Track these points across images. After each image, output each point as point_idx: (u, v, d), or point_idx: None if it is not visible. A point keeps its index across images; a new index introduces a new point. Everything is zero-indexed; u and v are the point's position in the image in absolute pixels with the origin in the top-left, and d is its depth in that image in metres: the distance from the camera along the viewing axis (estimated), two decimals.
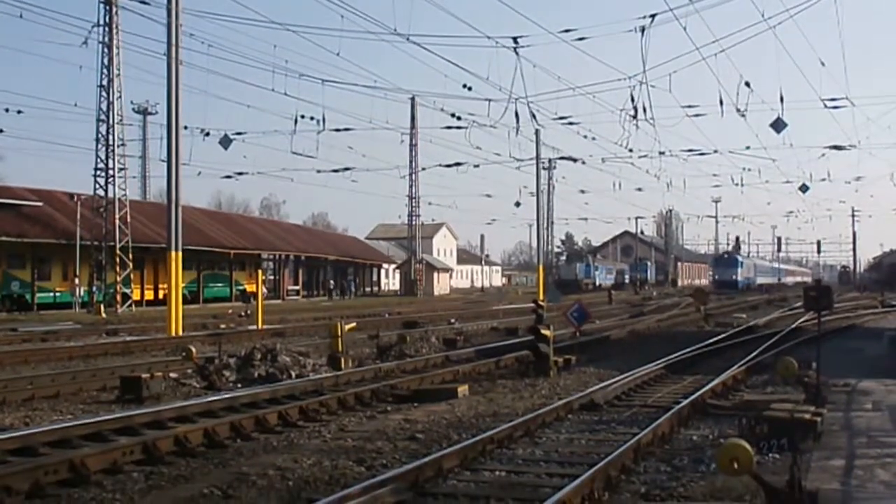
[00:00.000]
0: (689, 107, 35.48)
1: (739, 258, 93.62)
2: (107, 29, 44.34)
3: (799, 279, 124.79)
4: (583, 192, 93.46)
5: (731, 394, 14.34)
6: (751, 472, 6.20)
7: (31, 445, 9.48)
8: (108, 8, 44.05)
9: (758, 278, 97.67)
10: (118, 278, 45.69)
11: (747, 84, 28.23)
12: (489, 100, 33.02)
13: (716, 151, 50.49)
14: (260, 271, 40.13)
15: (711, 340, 22.44)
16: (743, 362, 17.17)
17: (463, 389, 14.51)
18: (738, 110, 28.82)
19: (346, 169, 56.02)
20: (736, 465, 5.99)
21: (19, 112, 40.55)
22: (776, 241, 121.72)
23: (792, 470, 6.66)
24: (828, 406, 11.54)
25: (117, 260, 45.69)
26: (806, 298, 12.65)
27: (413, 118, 70.57)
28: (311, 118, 38.31)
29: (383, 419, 12.28)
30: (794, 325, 27.20)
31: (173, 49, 27.04)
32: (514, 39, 26.64)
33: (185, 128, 32.39)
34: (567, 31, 27.55)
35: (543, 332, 17.18)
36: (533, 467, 9.14)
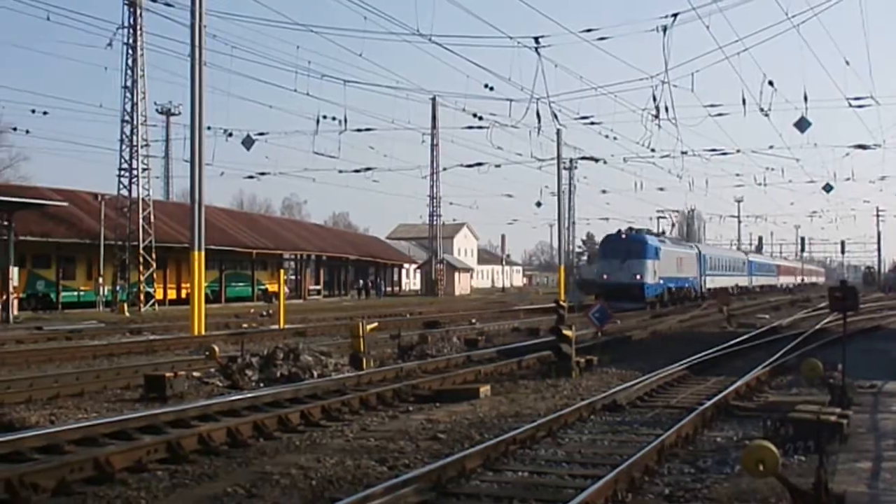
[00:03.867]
0: (712, 106, 34.90)
1: (652, 242, 48.80)
2: (131, 31, 44.68)
3: (801, 280, 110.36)
4: (604, 191, 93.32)
5: (756, 395, 14.25)
6: (776, 475, 6.16)
7: (57, 443, 9.55)
8: (132, 10, 44.36)
9: (719, 278, 62.39)
10: (141, 277, 45.98)
11: (771, 83, 28.02)
12: (510, 100, 33.01)
13: (738, 151, 49.74)
14: (282, 271, 40.22)
15: (734, 341, 22.30)
16: (767, 363, 17.06)
17: (485, 389, 14.49)
18: (761, 109, 28.65)
19: (368, 169, 56.18)
20: (761, 467, 5.95)
21: (45, 113, 41.10)
22: (799, 241, 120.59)
23: (818, 472, 6.62)
24: (854, 408, 11.45)
25: (141, 259, 45.97)
26: (831, 299, 12.55)
27: (434, 118, 70.67)
28: (333, 118, 38.48)
29: (405, 419, 12.29)
30: (818, 326, 27.01)
31: (197, 50, 27.16)
32: (536, 39, 26.59)
33: (209, 128, 32.61)
34: (589, 30, 27.68)
35: (565, 332, 17.15)
36: (556, 468, 9.11)
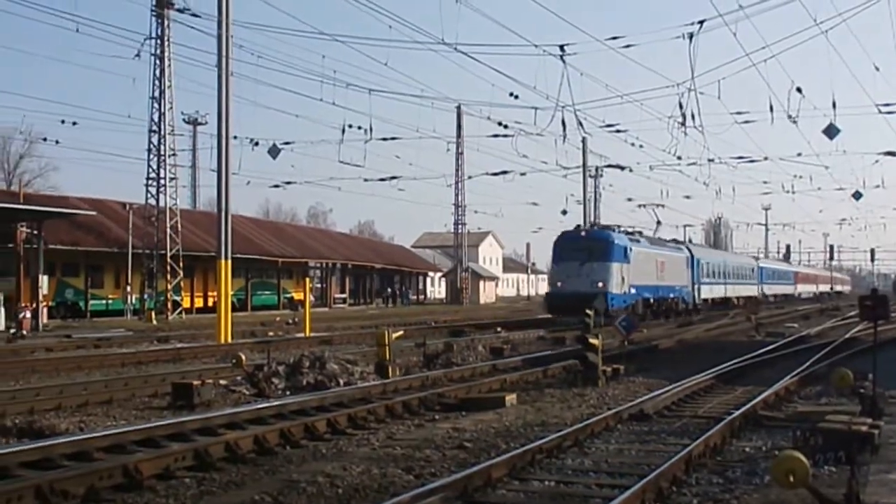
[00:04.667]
0: (739, 113, 34.73)
1: (620, 241, 39.37)
2: (159, 42, 45.06)
3: (826, 289, 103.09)
4: (630, 199, 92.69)
5: (785, 405, 14.12)
6: (807, 486, 6.10)
7: (87, 450, 9.62)
8: (159, 21, 44.74)
9: (719, 286, 54.69)
10: (169, 286, 46.28)
11: (798, 90, 27.85)
12: (536, 108, 32.95)
13: (766, 158, 49.43)
14: (307, 279, 40.36)
15: (762, 350, 22.14)
16: (795, 373, 16.91)
17: (511, 398, 14.46)
18: (789, 116, 28.48)
19: (393, 177, 56.34)
20: (791, 478, 5.90)
21: (74, 124, 41.45)
22: (828, 249, 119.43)
23: (849, 483, 6.55)
24: (885, 418, 11.31)
25: (168, 268, 46.28)
26: (861, 308, 12.42)
27: (459, 127, 70.70)
28: (359, 127, 38.63)
29: (431, 427, 12.28)
30: (847, 336, 26.76)
31: (223, 60, 27.36)
32: (561, 47, 26.55)
33: (235, 138, 32.89)
34: (615, 38, 27.40)
35: (591, 341, 17.09)
36: (582, 478, 9.07)
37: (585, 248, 37.62)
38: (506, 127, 42.01)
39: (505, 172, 57.97)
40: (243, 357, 17.17)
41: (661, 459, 9.40)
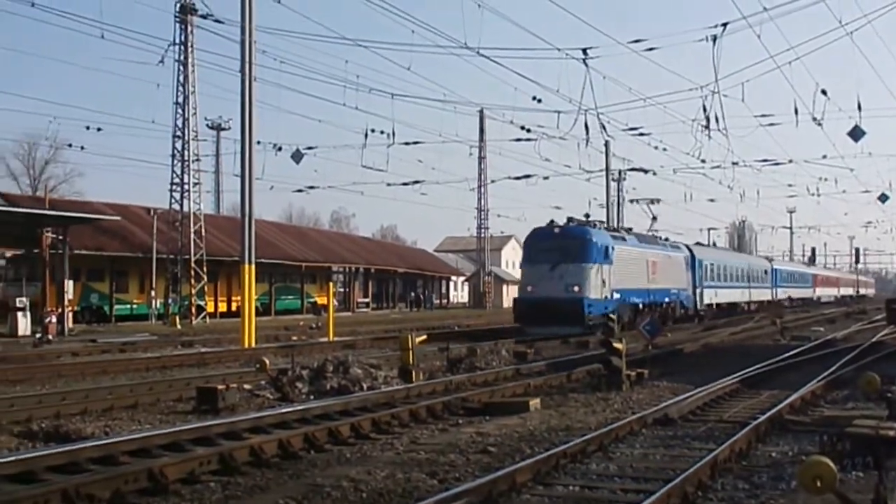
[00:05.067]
0: (763, 116, 34.42)
1: (599, 238, 34.30)
2: (182, 48, 45.42)
3: (848, 292, 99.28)
4: (653, 202, 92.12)
5: (811, 409, 13.99)
6: (835, 491, 6.03)
7: (112, 454, 9.68)
8: (183, 27, 45.10)
9: (725, 290, 50.50)
10: (193, 290, 46.55)
11: (823, 92, 27.65)
12: (558, 112, 32.84)
13: (791, 161, 49.07)
14: (331, 283, 40.49)
15: (788, 354, 21.97)
16: (822, 377, 16.76)
17: (535, 403, 14.42)
18: (813, 119, 28.28)
19: (416, 182, 56.30)
20: (818, 483, 5.83)
21: (99, 129, 42.11)
22: (854, 252, 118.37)
23: (877, 489, 6.49)
24: None
25: (192, 273, 46.57)
26: (888, 312, 12.33)
27: (482, 131, 70.77)
28: (382, 132, 38.69)
29: (455, 432, 12.27)
30: (874, 339, 26.52)
31: (247, 66, 27.49)
32: (584, 51, 26.47)
33: (258, 143, 33.02)
34: (637, 41, 27.30)
35: (615, 345, 17.02)
36: (607, 482, 9.03)
37: (558, 247, 32.98)
38: (528, 131, 41.97)
39: (528, 176, 57.91)
40: (267, 361, 17.21)
41: (687, 464, 9.34)
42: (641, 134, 39.76)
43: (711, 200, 71.68)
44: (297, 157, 40.48)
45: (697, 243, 48.04)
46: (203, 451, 10.03)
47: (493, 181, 73.70)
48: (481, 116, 69.37)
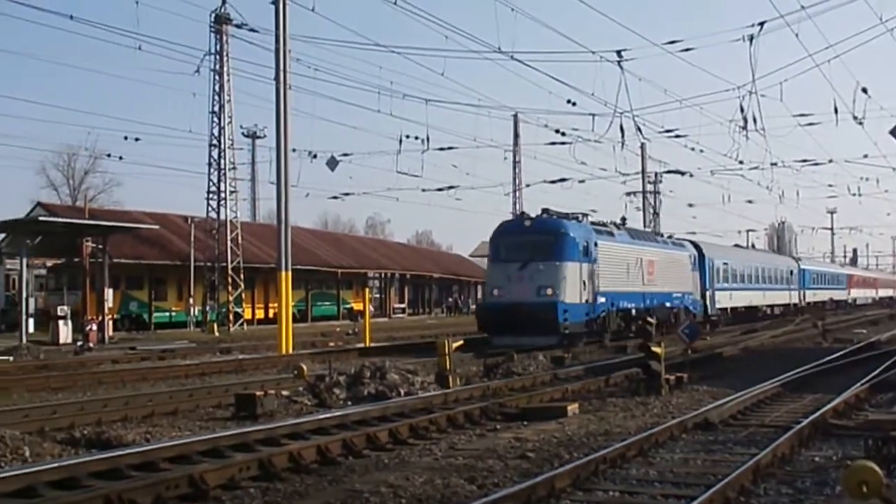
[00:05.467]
0: (802, 115, 34.09)
1: (578, 232, 29.77)
2: (218, 57, 45.82)
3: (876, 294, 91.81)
4: (691, 205, 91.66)
5: (855, 413, 13.78)
6: (881, 496, 5.92)
7: (153, 461, 9.75)
8: (218, 37, 45.50)
9: (741, 293, 46.29)
10: (230, 298, 46.89)
11: (864, 90, 27.24)
12: (593, 114, 32.66)
13: (831, 161, 48.46)
14: (367, 289, 40.59)
15: (830, 357, 21.69)
16: (866, 380, 16.50)
17: (573, 408, 14.34)
18: (854, 118, 27.85)
19: (451, 187, 56.24)
20: (864, 489, 5.73)
21: (137, 139, 42.10)
22: None
23: None
24: None
25: (229, 280, 46.91)
26: None
27: (516, 135, 70.50)
28: (416, 137, 38.67)
29: (493, 437, 12.22)
30: None
31: (281, 74, 27.67)
32: (619, 53, 26.30)
33: (294, 150, 33.11)
34: (672, 42, 27.08)
35: (654, 349, 16.89)
36: (647, 488, 8.94)
37: (529, 243, 28.76)
38: (563, 134, 41.74)
39: (563, 180, 57.48)
40: (304, 367, 17.30)
41: (728, 469, 9.23)
42: (678, 136, 39.41)
43: (750, 202, 70.90)
44: (332, 164, 40.63)
45: (700, 244, 43.91)
46: (242, 457, 10.07)
47: (527, 185, 73.29)
48: (515, 120, 69.15)
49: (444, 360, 17.52)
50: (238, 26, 40.72)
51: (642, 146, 51.82)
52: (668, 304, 35.80)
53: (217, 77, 46.19)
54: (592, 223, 32.27)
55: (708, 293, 41.14)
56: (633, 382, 17.62)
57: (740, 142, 44.25)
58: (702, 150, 43.60)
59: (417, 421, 12.76)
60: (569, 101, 34.72)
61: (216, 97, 46.52)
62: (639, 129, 33.09)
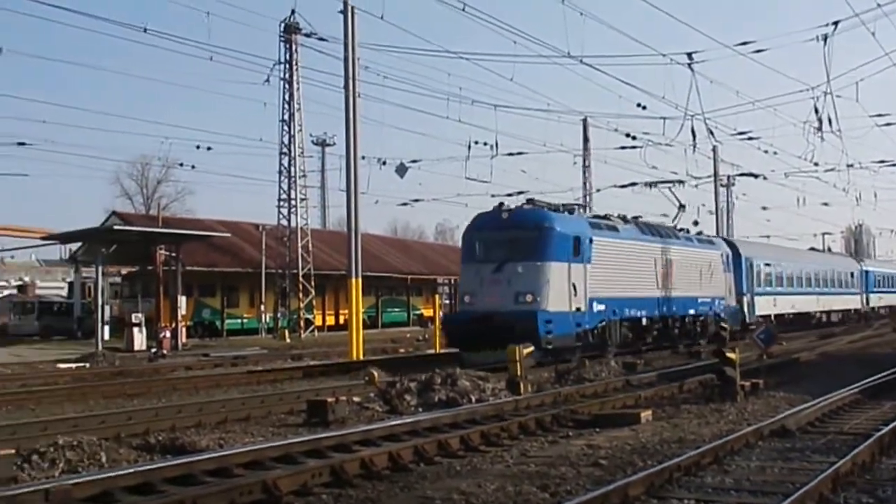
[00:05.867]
0: (879, 115, 33.27)
1: (565, 225, 24.54)
2: (287, 66, 46.37)
3: None
4: (764, 208, 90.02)
5: None
6: None
7: (227, 466, 9.85)
8: (288, 46, 46.04)
9: (785, 297, 41.66)
10: (301, 304, 47.34)
11: None
12: (664, 118, 32.34)
13: None
14: (436, 296, 40.67)
15: None
16: None
17: (646, 414, 14.14)
18: None
19: (520, 192, 55.86)
20: None
21: (209, 149, 42.80)
22: None
23: None
24: None
25: (300, 287, 47.37)
26: None
27: (586, 139, 70.02)
28: (485, 143, 38.67)
29: (565, 444, 12.11)
30: None
31: (350, 82, 27.88)
32: (689, 55, 26.02)
33: (363, 158, 33.32)
34: (744, 43, 26.68)
35: (729, 355, 16.59)
36: (723, 496, 8.76)
37: (507, 240, 24.21)
38: (634, 138, 41.36)
39: (633, 184, 56.95)
40: (376, 374, 17.35)
41: (807, 477, 9.01)
42: (750, 138, 38.76)
43: (825, 204, 69.30)
44: (401, 170, 40.81)
45: (736, 241, 39.77)
46: (315, 463, 10.12)
47: (598, 190, 72.76)
48: (585, 125, 68.67)
49: (515, 367, 17.42)
50: (307, 35, 41.40)
51: (714, 149, 50.97)
52: (692, 312, 31.01)
53: (287, 86, 46.78)
54: (591, 216, 28.59)
55: (745, 298, 36.59)
56: (707, 389, 17.32)
57: (815, 143, 43.26)
58: (776, 153, 42.78)
59: (489, 428, 12.70)
60: (639, 105, 34.42)
61: (286, 106, 47.10)
62: (710, 132, 32.62)
